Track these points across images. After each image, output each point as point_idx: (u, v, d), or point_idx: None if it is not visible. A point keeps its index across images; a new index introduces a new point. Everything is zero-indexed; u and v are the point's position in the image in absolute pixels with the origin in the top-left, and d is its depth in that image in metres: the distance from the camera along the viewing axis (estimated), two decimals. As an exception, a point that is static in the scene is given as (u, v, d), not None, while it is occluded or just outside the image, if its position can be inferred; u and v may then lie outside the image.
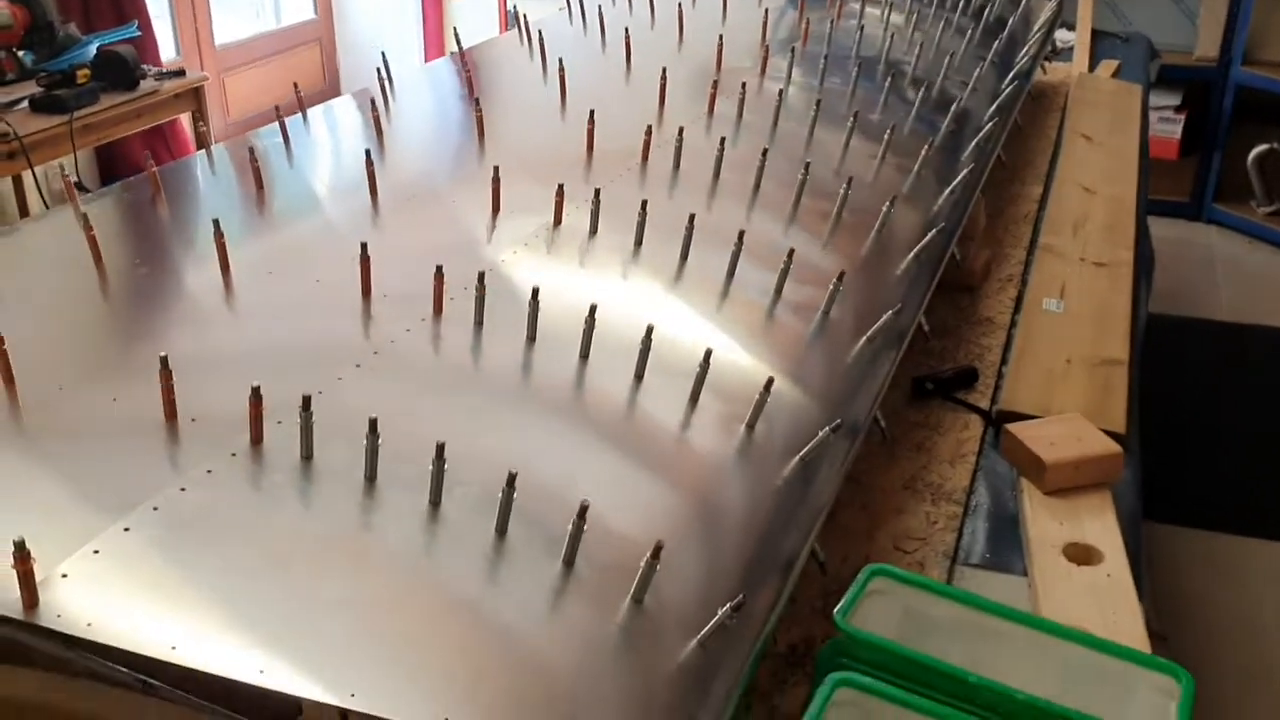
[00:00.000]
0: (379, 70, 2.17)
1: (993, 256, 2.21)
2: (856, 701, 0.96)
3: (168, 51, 4.88)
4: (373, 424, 0.99)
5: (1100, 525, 1.42)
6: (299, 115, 2.02)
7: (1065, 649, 1.09)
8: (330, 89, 6.00)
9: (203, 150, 1.89)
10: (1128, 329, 1.94)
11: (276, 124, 1.92)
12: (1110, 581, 1.32)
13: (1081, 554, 1.37)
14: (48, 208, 3.78)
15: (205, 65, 5.06)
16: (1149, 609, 2.53)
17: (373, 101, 2.04)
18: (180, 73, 3.98)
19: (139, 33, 4.07)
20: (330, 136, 2.05)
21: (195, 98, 4.00)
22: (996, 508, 1.51)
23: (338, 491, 1.00)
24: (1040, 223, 2.41)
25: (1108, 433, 1.58)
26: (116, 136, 3.81)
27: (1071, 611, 1.27)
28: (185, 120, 4.46)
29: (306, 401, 1.01)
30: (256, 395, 1.02)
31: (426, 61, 6.04)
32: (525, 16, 2.65)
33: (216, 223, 1.37)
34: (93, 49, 3.72)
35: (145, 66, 3.87)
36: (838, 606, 1.09)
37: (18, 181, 3.87)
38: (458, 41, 2.49)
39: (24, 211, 3.87)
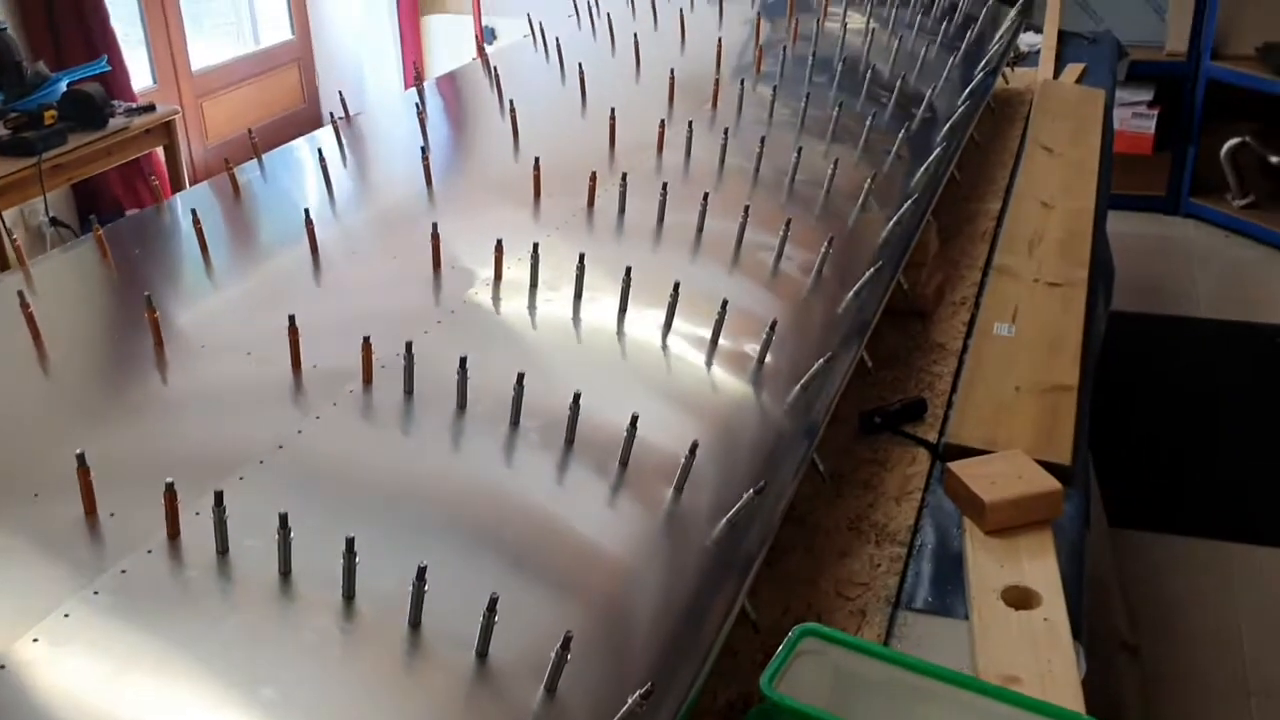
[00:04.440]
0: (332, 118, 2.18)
1: (946, 279, 2.20)
2: (779, 773, 0.97)
3: (144, 79, 4.89)
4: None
5: (1040, 566, 1.43)
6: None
7: (996, 709, 1.10)
8: (310, 108, 6.00)
9: (160, 203, 1.88)
10: (1078, 353, 1.93)
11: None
12: (1047, 626, 1.33)
13: (1020, 597, 1.38)
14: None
15: (182, 92, 5.07)
16: (1123, 622, 2.53)
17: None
18: (150, 108, 3.98)
19: (109, 68, 4.08)
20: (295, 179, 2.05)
21: (166, 131, 4.01)
22: (941, 548, 1.51)
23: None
24: (998, 240, 2.41)
25: (1053, 464, 1.59)
26: (88, 174, 3.82)
27: (1008, 658, 1.28)
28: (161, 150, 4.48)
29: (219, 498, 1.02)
30: (171, 491, 1.03)
31: (405, 79, 6.05)
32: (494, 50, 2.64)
33: (149, 298, 1.38)
34: (62, 87, 3.73)
35: (115, 103, 3.88)
36: (765, 671, 1.10)
37: (-5, 223, 3.88)
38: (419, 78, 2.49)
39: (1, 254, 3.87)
